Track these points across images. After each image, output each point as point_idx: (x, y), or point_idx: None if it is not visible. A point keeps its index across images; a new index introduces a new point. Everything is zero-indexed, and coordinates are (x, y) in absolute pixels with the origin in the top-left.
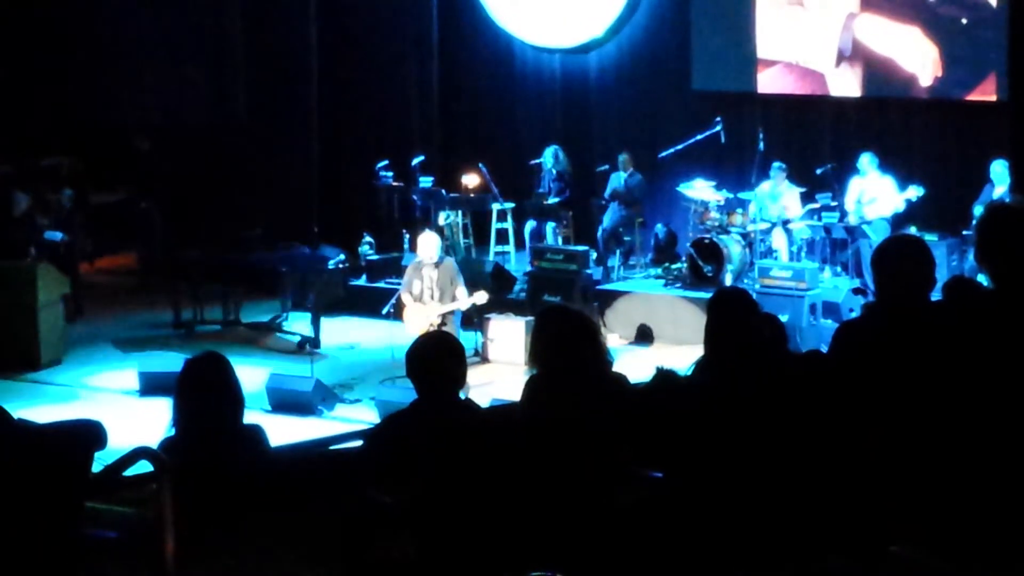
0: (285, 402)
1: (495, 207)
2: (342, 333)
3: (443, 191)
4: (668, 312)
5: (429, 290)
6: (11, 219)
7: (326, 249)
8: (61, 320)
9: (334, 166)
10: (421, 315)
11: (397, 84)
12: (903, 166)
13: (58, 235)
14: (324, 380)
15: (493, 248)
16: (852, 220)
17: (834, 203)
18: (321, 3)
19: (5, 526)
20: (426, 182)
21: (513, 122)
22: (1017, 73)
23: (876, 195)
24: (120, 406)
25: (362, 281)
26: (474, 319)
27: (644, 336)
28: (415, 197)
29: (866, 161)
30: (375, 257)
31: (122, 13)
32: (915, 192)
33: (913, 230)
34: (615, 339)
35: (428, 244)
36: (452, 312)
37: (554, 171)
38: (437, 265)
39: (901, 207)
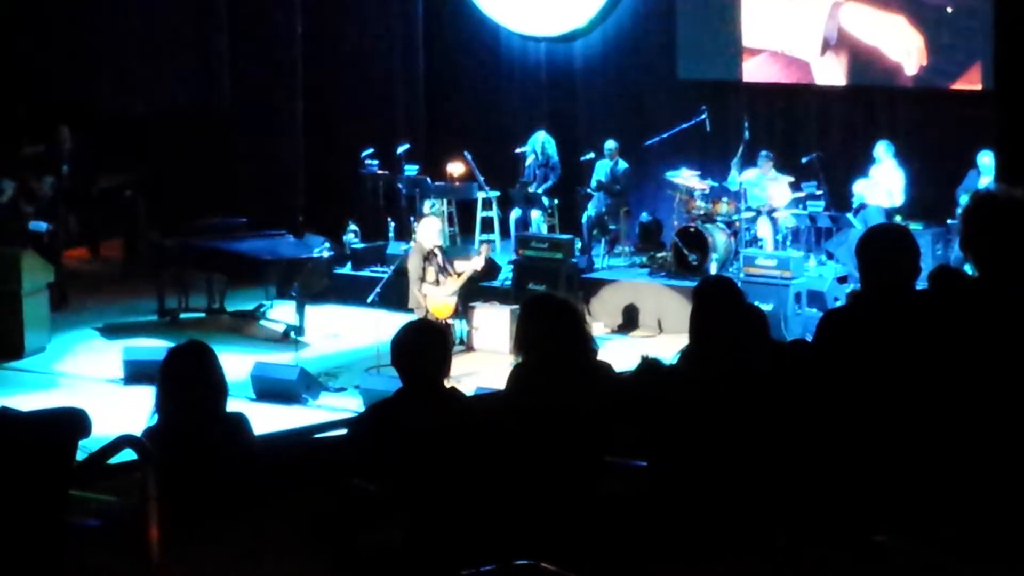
0: (270, 390)
1: (480, 195)
2: (327, 321)
3: (428, 179)
4: (653, 301)
5: (443, 271)
6: None
7: (311, 237)
8: (45, 308)
9: (319, 154)
10: (446, 297)
11: (382, 72)
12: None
13: (43, 225)
14: (309, 368)
15: (479, 236)
16: (854, 203)
17: (819, 192)
18: None
19: None
20: (411, 170)
21: (498, 111)
22: (1002, 62)
23: (877, 180)
24: (104, 394)
25: (347, 269)
26: (459, 308)
27: (629, 325)
28: (400, 185)
29: (881, 149)
30: (360, 245)
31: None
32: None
33: (898, 219)
34: (600, 328)
35: (433, 228)
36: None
37: (539, 158)
38: (439, 247)
39: (899, 201)
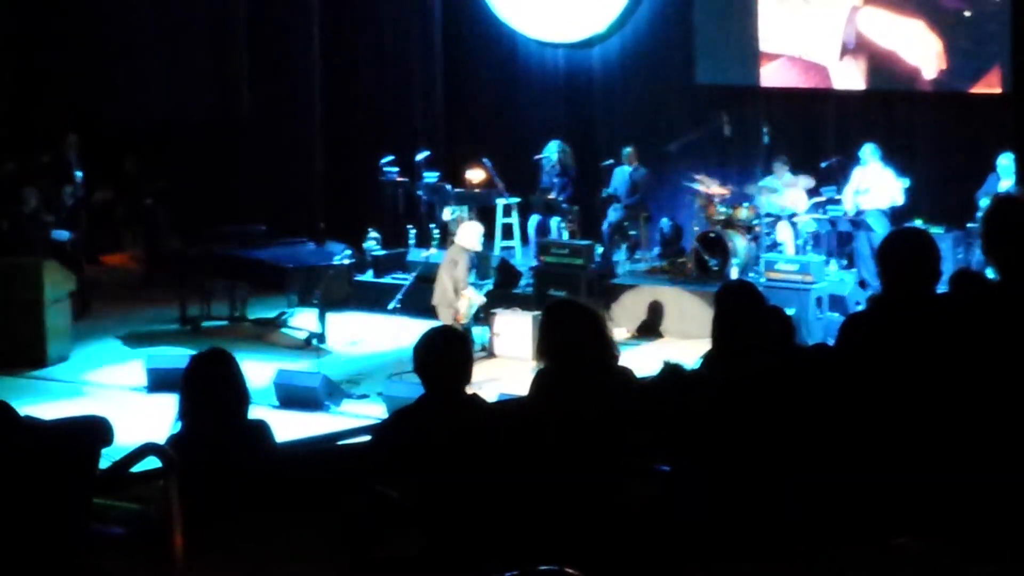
0: (292, 398)
1: (500, 202)
2: (348, 328)
3: (448, 186)
4: (674, 306)
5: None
6: (22, 216)
7: (332, 245)
8: (68, 317)
9: (339, 162)
10: (478, 302)
11: (401, 79)
12: (907, 159)
13: (65, 234)
14: (331, 376)
15: (499, 243)
16: (848, 207)
17: (839, 196)
18: None
19: (12, 523)
20: (431, 177)
21: (517, 117)
22: (1021, 65)
23: (871, 185)
24: (127, 402)
25: (368, 276)
26: (480, 314)
27: (650, 330)
28: (420, 192)
29: (868, 151)
30: (381, 253)
31: (126, 8)
32: (903, 184)
33: (919, 223)
34: (621, 333)
35: (477, 232)
36: None
37: (557, 166)
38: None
39: (899, 200)
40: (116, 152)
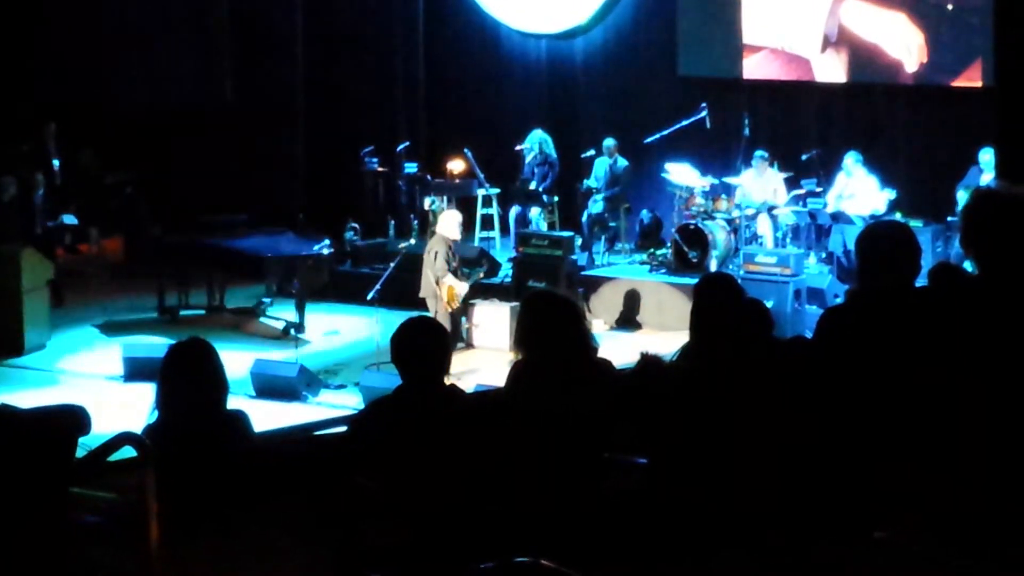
0: (269, 387)
1: (480, 193)
2: (327, 319)
3: (428, 177)
4: (653, 298)
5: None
6: (1, 204)
7: (311, 235)
8: (45, 305)
9: (320, 151)
10: (463, 289)
11: (383, 69)
12: (888, 152)
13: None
14: (309, 366)
15: (478, 234)
16: (830, 211)
17: (819, 189)
18: None
19: None
20: (411, 168)
21: (499, 108)
22: (1003, 59)
23: (856, 192)
24: (104, 391)
25: (347, 267)
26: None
27: (628, 322)
28: (400, 183)
29: (851, 161)
30: (360, 243)
31: None
32: (888, 195)
33: (898, 216)
34: (600, 325)
35: (456, 221)
36: None
37: (538, 156)
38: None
39: (881, 210)
40: (91, 142)
